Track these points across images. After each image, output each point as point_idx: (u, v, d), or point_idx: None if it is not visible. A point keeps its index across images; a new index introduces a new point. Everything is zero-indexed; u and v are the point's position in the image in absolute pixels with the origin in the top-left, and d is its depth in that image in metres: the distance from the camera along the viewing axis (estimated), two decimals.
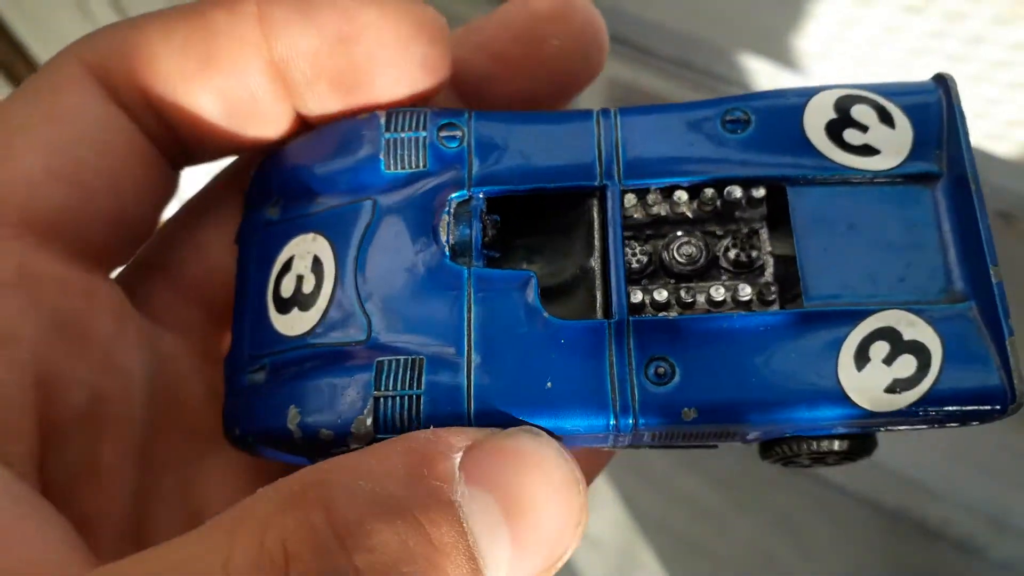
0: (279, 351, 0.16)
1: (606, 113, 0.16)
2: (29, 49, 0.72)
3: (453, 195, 0.16)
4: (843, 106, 0.17)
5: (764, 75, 0.54)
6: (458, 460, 0.12)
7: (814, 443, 0.17)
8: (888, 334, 0.16)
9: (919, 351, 0.16)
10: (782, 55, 0.51)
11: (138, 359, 0.16)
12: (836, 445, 0.17)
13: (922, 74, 0.47)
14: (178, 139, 0.17)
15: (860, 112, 0.17)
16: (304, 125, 0.18)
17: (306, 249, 0.16)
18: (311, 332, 0.16)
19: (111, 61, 0.16)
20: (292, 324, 0.16)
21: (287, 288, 0.16)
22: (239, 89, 0.16)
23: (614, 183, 0.16)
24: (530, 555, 0.12)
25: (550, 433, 0.15)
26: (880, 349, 0.16)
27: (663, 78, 0.57)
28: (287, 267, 0.16)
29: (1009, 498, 0.73)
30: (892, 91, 0.17)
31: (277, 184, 0.17)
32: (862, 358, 0.16)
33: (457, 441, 0.13)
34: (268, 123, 0.17)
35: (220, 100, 0.16)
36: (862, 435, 0.17)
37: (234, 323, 0.17)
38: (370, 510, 0.11)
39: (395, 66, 0.16)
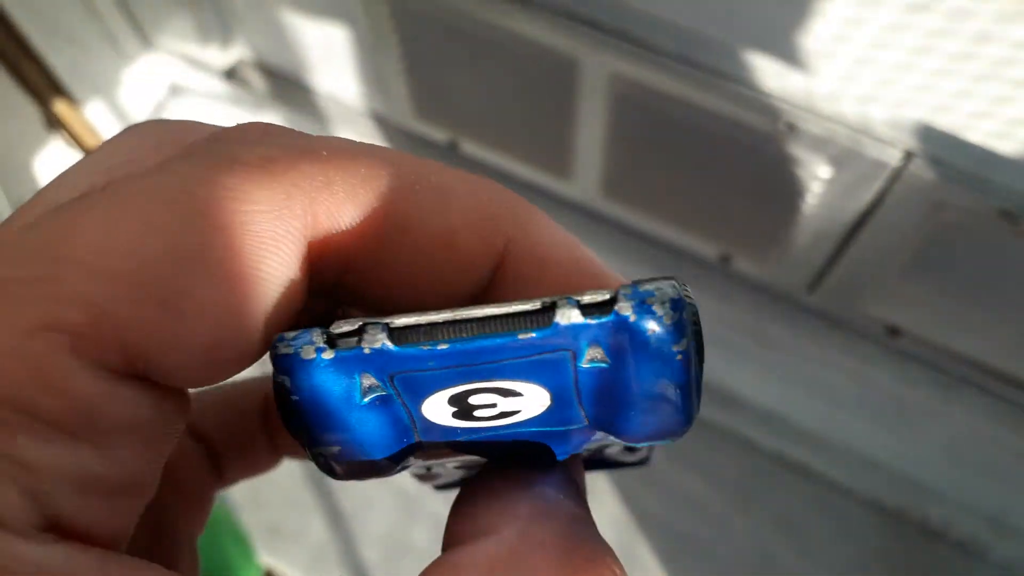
0: None
1: None
2: (29, 40, 0.72)
3: None
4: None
5: (769, 72, 0.53)
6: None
7: None
8: None
9: None
10: (786, 53, 0.51)
11: None
12: None
13: (928, 70, 0.47)
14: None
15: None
16: None
17: None
18: None
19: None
20: None
21: None
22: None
23: None
24: None
25: None
26: None
27: (666, 74, 0.57)
28: None
29: (1010, 499, 0.73)
30: None
31: None
32: None
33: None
34: None
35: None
36: None
37: None
38: None
39: None
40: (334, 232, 0.13)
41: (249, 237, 0.12)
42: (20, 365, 0.11)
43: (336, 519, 0.79)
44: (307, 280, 0.13)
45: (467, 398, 0.13)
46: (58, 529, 0.11)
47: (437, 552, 0.13)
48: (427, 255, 0.14)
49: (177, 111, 0.91)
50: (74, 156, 0.80)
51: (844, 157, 0.55)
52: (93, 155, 0.14)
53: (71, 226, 0.11)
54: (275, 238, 0.12)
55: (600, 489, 0.79)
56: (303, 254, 0.13)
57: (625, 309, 0.13)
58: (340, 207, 0.13)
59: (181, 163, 0.12)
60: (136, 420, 0.12)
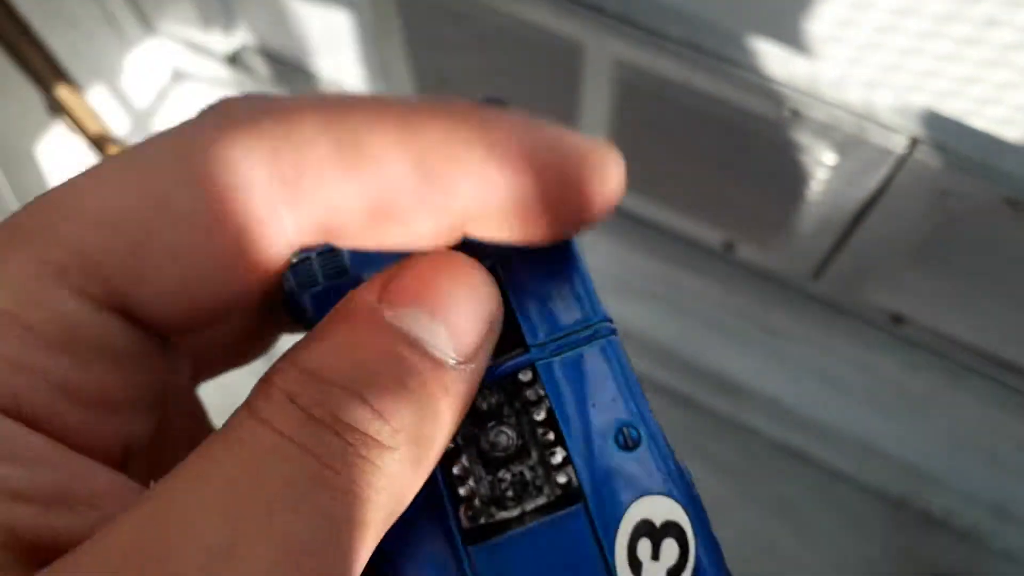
0: None
1: None
2: (31, 24, 0.72)
3: None
4: None
5: (773, 58, 0.53)
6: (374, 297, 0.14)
7: None
8: (645, 527, 0.14)
9: (673, 529, 0.14)
10: (791, 37, 0.51)
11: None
12: None
13: (934, 55, 0.46)
14: None
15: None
16: None
17: None
18: None
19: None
20: None
21: None
22: None
23: None
24: (470, 333, 0.14)
25: None
26: (645, 548, 0.14)
27: (670, 60, 0.57)
28: None
29: (1013, 488, 0.73)
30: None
31: None
32: (635, 566, 0.14)
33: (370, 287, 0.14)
34: None
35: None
36: None
37: None
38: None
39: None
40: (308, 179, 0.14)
41: (212, 188, 0.13)
42: (9, 286, 0.13)
43: None
44: (279, 225, 0.14)
45: None
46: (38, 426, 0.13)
47: None
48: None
49: (180, 97, 0.91)
50: (76, 141, 0.80)
51: (849, 144, 0.55)
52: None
53: (76, 186, 0.14)
54: (236, 187, 0.14)
55: None
56: (272, 200, 0.14)
57: None
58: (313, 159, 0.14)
59: (163, 135, 0.14)
60: (110, 344, 0.14)
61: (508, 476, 0.15)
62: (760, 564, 0.78)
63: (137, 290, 0.14)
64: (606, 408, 0.15)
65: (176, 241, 0.13)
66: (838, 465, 0.78)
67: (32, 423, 0.13)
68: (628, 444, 0.14)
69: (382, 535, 0.13)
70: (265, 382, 0.13)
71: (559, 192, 0.14)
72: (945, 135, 0.51)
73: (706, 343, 0.79)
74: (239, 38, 0.87)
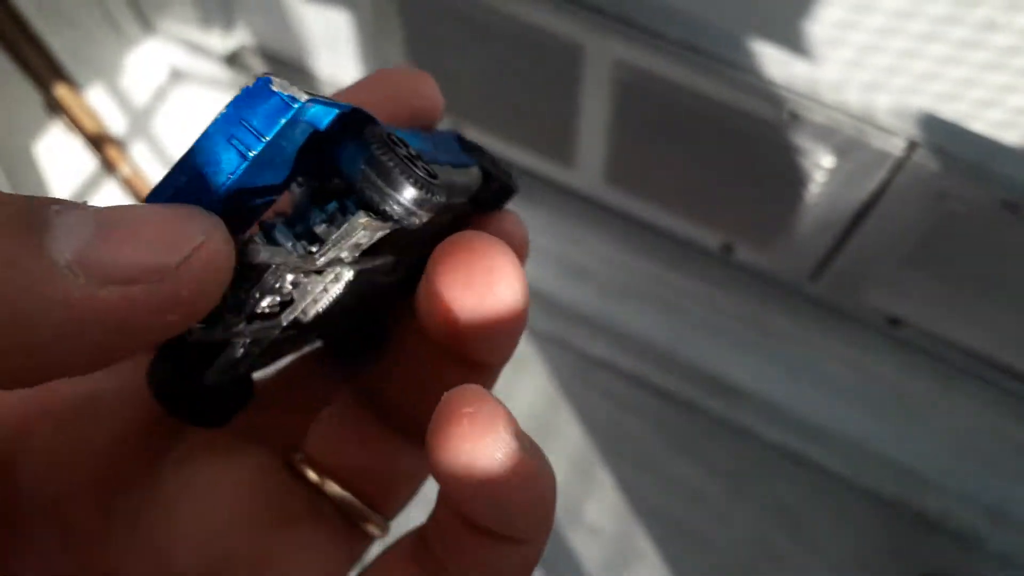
0: None
1: None
2: (30, 23, 0.72)
3: None
4: None
5: (773, 60, 0.53)
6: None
7: None
8: None
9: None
10: (791, 40, 0.51)
11: None
12: None
13: (934, 58, 0.46)
14: None
15: None
16: None
17: None
18: None
19: None
20: None
21: None
22: None
23: None
24: (122, 245, 0.10)
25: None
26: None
27: (670, 61, 0.57)
28: None
29: (1008, 490, 0.73)
30: None
31: None
32: None
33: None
34: None
35: None
36: None
37: None
38: None
39: None
40: None
41: None
42: None
43: None
44: None
45: None
46: None
47: None
48: None
49: (178, 96, 0.91)
50: (74, 140, 0.80)
51: (848, 146, 0.55)
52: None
53: None
54: None
55: (598, 478, 0.79)
56: None
57: None
58: None
59: None
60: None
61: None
62: (756, 565, 0.78)
63: None
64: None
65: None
66: (834, 467, 0.78)
67: None
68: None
69: None
70: None
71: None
72: (943, 138, 0.51)
73: (703, 345, 0.80)
74: (238, 38, 0.87)
